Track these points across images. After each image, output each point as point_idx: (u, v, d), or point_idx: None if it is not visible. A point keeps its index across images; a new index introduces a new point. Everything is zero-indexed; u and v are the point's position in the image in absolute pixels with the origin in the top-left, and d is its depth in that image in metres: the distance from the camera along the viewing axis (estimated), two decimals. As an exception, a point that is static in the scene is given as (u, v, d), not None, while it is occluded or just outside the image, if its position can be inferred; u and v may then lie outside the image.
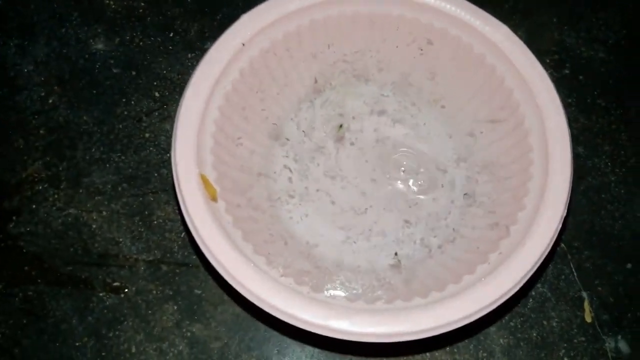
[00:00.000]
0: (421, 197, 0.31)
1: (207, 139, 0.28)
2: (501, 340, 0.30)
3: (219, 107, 0.29)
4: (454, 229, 0.30)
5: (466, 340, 0.30)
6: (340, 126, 0.32)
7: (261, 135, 0.31)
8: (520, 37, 0.39)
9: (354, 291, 0.27)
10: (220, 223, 0.26)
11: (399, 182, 0.31)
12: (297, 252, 0.29)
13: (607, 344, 0.31)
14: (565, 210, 0.26)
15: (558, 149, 0.28)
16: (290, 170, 0.31)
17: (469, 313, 0.24)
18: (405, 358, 0.30)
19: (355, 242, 0.30)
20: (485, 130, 0.31)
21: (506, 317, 0.31)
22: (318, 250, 0.29)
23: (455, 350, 0.30)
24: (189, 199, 0.25)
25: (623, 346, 0.31)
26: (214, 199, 0.26)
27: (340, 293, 0.26)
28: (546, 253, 0.25)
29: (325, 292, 0.26)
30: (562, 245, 0.33)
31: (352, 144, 0.32)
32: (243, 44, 0.29)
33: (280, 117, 0.32)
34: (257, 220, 0.29)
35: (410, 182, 0.31)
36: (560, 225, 0.26)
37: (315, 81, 0.33)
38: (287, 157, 0.32)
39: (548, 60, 0.38)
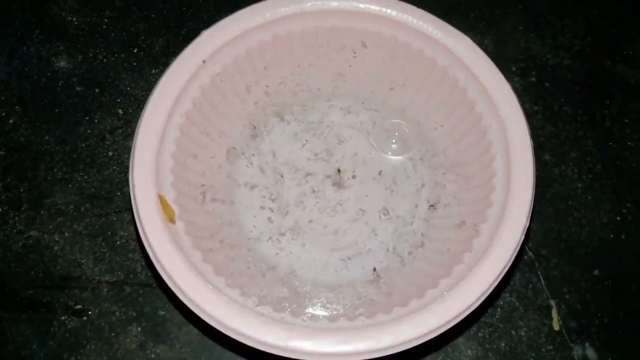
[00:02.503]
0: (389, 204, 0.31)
1: (166, 159, 0.27)
2: (469, 352, 0.30)
3: (179, 126, 0.28)
4: (421, 234, 0.30)
5: (434, 353, 0.30)
6: (339, 171, 0.32)
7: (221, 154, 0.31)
8: (487, 46, 0.39)
9: (335, 312, 0.27)
10: (179, 244, 0.25)
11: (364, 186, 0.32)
12: (275, 280, 0.28)
13: (574, 352, 0.31)
14: (532, 201, 0.27)
15: (519, 145, 0.28)
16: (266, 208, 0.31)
17: (432, 328, 0.24)
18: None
19: (335, 263, 0.30)
20: (445, 125, 0.32)
21: (474, 328, 0.31)
22: (297, 277, 0.29)
23: (424, 363, 0.30)
24: (146, 220, 0.25)
25: (591, 353, 0.31)
26: (171, 220, 0.26)
27: (321, 313, 0.26)
28: (519, 246, 0.26)
29: (305, 315, 0.26)
30: (530, 253, 0.33)
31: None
32: (204, 61, 0.29)
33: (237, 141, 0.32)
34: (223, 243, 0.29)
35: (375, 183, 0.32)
36: (530, 215, 0.26)
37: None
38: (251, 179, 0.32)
39: (514, 69, 0.38)
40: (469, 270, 0.25)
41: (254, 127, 0.32)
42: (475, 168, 0.29)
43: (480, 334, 0.31)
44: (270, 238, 0.30)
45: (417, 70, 0.31)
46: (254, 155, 0.32)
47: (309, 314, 0.26)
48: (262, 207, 0.31)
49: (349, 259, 0.30)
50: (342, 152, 0.32)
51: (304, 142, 0.32)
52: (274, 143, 0.32)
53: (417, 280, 0.28)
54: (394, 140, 0.33)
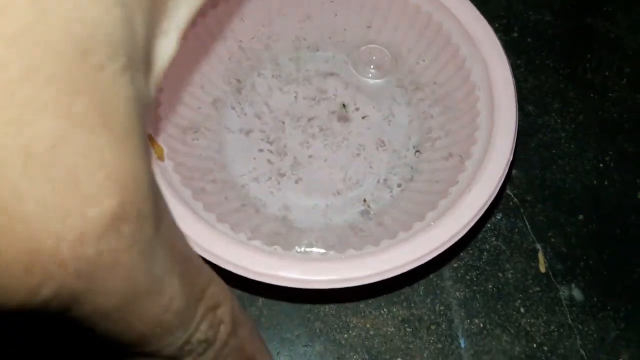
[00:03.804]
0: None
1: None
2: (457, 294, 0.31)
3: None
4: (411, 167, 0.30)
5: (422, 295, 0.30)
6: (344, 105, 0.32)
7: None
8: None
9: (330, 243, 0.27)
10: (167, 179, 0.25)
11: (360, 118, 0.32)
12: (269, 217, 0.29)
13: (561, 292, 0.31)
14: (515, 137, 0.27)
15: (502, 85, 0.28)
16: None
17: (418, 256, 0.24)
18: (362, 314, 0.30)
19: (329, 197, 0.30)
20: (427, 60, 0.32)
21: (461, 271, 0.31)
22: (291, 212, 0.29)
23: (413, 305, 0.30)
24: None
25: (577, 294, 0.31)
26: (160, 157, 0.26)
27: (313, 246, 0.27)
28: (503, 178, 0.26)
29: (298, 248, 0.26)
30: (515, 199, 0.33)
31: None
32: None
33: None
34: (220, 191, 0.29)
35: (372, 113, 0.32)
36: (513, 150, 0.27)
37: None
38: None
39: (497, 25, 0.39)
40: (454, 202, 0.26)
41: (239, 81, 0.32)
42: (460, 104, 0.30)
43: (467, 277, 0.31)
44: (270, 178, 0.30)
45: (400, 12, 0.32)
46: (243, 105, 0.32)
47: (301, 247, 0.26)
48: (261, 150, 0.31)
49: (343, 192, 0.30)
50: (333, 88, 0.33)
51: (295, 94, 0.33)
52: (263, 96, 0.32)
53: (405, 212, 0.28)
54: (372, 66, 0.33)
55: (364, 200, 0.29)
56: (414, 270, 0.24)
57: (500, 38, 0.38)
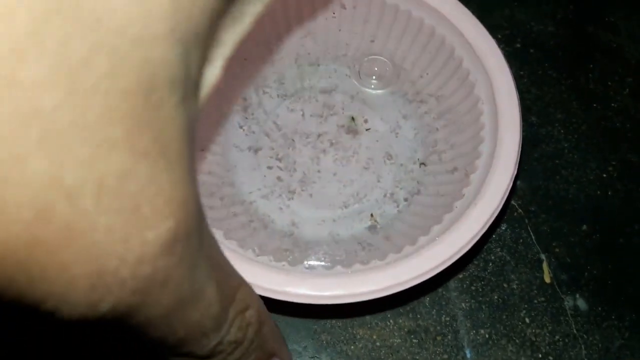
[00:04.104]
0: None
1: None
2: (463, 304, 0.31)
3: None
4: (417, 181, 0.31)
5: (428, 306, 0.31)
6: (353, 118, 0.32)
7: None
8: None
9: (337, 258, 0.28)
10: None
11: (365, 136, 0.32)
12: (277, 233, 0.29)
13: (566, 303, 0.31)
14: (520, 149, 0.28)
15: (505, 98, 0.29)
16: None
17: (424, 271, 0.25)
18: (368, 326, 0.30)
19: (337, 212, 0.30)
20: (430, 74, 0.32)
21: (467, 282, 0.32)
22: (298, 228, 0.30)
23: (419, 316, 0.31)
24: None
25: (581, 304, 0.32)
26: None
27: (321, 261, 0.27)
28: (508, 191, 0.26)
29: (305, 263, 0.27)
30: (520, 210, 0.34)
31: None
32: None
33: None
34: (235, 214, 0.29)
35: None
36: (518, 163, 0.27)
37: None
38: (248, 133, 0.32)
39: (500, 36, 0.39)
40: (459, 216, 0.26)
41: (244, 99, 0.32)
42: (464, 117, 0.30)
43: (473, 288, 0.31)
44: (280, 195, 0.30)
45: (403, 26, 0.32)
46: (251, 123, 0.32)
47: (309, 262, 0.27)
48: (270, 167, 0.31)
49: (351, 206, 0.30)
50: (340, 102, 0.33)
51: (302, 112, 0.33)
52: (270, 114, 0.33)
53: (412, 226, 0.28)
54: (374, 77, 0.33)
55: (371, 215, 0.30)
56: (420, 284, 0.25)
57: (503, 49, 0.38)
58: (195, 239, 0.13)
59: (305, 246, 0.28)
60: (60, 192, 0.10)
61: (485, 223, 0.26)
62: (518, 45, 0.39)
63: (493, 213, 0.26)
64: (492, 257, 0.32)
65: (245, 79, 0.33)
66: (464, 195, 0.27)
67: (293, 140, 0.32)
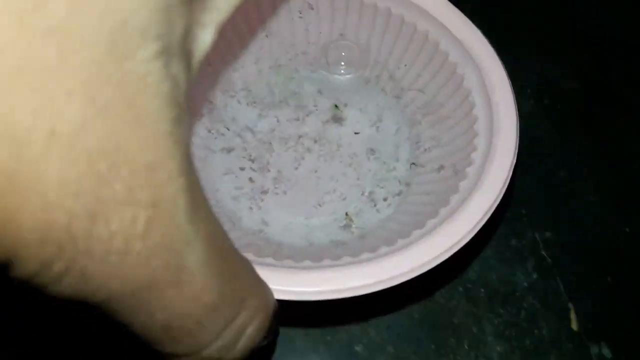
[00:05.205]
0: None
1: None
2: (498, 348, 0.33)
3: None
4: (399, 181, 0.30)
5: (467, 348, 0.33)
6: (336, 106, 0.32)
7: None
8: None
9: (309, 256, 0.25)
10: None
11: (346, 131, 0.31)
12: (244, 230, 0.28)
13: (592, 350, 0.34)
14: (517, 141, 0.26)
15: (499, 90, 0.27)
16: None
17: (409, 269, 0.23)
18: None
19: (309, 213, 0.29)
20: (412, 67, 0.31)
21: (502, 327, 0.34)
22: (269, 226, 0.28)
23: (459, 357, 0.33)
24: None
25: (606, 352, 0.34)
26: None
27: (290, 261, 0.24)
28: (507, 184, 0.25)
29: (268, 257, 0.24)
30: (549, 260, 0.36)
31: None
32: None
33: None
34: None
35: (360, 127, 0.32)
36: (516, 153, 0.25)
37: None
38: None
39: (529, 91, 0.42)
40: (460, 205, 0.24)
41: (210, 102, 0.31)
42: (452, 112, 0.29)
43: (507, 332, 0.34)
44: (253, 197, 0.29)
45: (381, 25, 0.31)
46: (219, 126, 0.31)
47: (272, 258, 0.25)
48: (242, 168, 0.30)
49: (326, 204, 0.29)
50: (312, 100, 0.32)
51: (276, 119, 0.32)
52: (240, 120, 0.32)
53: (390, 227, 0.27)
54: (342, 62, 0.32)
55: (346, 214, 0.29)
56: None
57: (532, 105, 0.41)
58: (173, 211, 0.12)
59: (276, 244, 0.27)
60: (5, 138, 0.10)
61: (488, 210, 0.23)
62: (546, 102, 0.42)
63: (495, 201, 0.24)
64: (525, 305, 0.35)
65: (211, 83, 0.32)
66: (459, 189, 0.25)
67: (270, 143, 0.31)
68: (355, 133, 0.31)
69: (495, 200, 0.24)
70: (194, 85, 0.30)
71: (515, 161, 0.25)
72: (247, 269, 0.16)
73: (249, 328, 0.15)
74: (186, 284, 0.13)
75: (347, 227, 0.29)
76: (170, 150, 0.12)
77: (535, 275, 0.36)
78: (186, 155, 0.13)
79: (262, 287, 0.16)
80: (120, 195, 0.11)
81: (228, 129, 0.31)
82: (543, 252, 0.36)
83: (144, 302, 0.13)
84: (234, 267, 0.15)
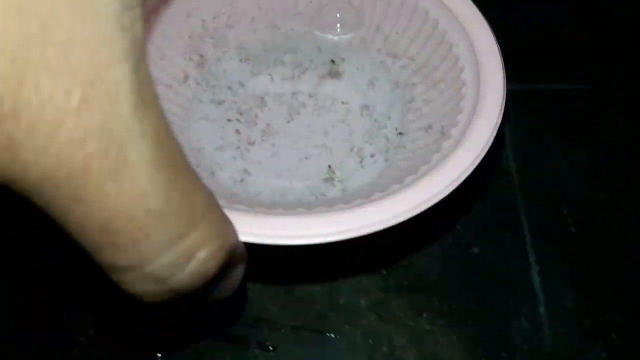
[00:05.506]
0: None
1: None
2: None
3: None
4: (387, 138, 0.30)
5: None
6: (332, 61, 0.32)
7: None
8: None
9: (289, 205, 0.25)
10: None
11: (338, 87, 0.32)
12: (224, 180, 0.28)
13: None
14: (503, 104, 0.26)
15: (486, 55, 0.27)
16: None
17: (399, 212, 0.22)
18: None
19: (293, 165, 0.29)
20: (406, 33, 0.31)
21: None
22: (250, 175, 0.28)
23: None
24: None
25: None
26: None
27: (272, 210, 0.23)
28: (490, 142, 0.24)
29: (245, 203, 0.24)
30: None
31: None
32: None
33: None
34: None
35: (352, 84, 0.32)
36: (501, 116, 0.25)
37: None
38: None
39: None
40: (441, 160, 0.24)
41: (201, 56, 0.31)
42: (443, 76, 0.29)
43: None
44: (238, 147, 0.29)
45: None
46: (209, 78, 0.31)
47: (244, 205, 0.24)
48: (229, 120, 0.30)
49: (312, 157, 0.29)
50: (308, 58, 0.32)
51: (269, 76, 0.32)
52: (233, 74, 0.32)
53: (370, 182, 0.27)
54: (338, 24, 0.33)
55: (329, 167, 0.29)
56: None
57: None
58: (115, 97, 0.12)
59: (253, 193, 0.27)
60: None
61: (467, 168, 0.23)
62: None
63: (477, 157, 0.24)
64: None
65: (203, 38, 0.32)
66: (442, 149, 0.25)
67: (262, 98, 0.31)
68: (353, 89, 0.31)
69: (475, 159, 0.24)
70: (183, 39, 0.29)
71: (500, 122, 0.25)
72: (205, 193, 0.15)
73: (200, 251, 0.14)
74: (128, 180, 0.12)
75: (329, 180, 0.28)
76: (115, 33, 0.12)
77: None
78: (137, 47, 0.12)
79: (220, 218, 0.15)
80: (52, 62, 0.11)
81: (218, 82, 0.31)
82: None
83: (80, 193, 0.12)
84: (186, 181, 0.14)
